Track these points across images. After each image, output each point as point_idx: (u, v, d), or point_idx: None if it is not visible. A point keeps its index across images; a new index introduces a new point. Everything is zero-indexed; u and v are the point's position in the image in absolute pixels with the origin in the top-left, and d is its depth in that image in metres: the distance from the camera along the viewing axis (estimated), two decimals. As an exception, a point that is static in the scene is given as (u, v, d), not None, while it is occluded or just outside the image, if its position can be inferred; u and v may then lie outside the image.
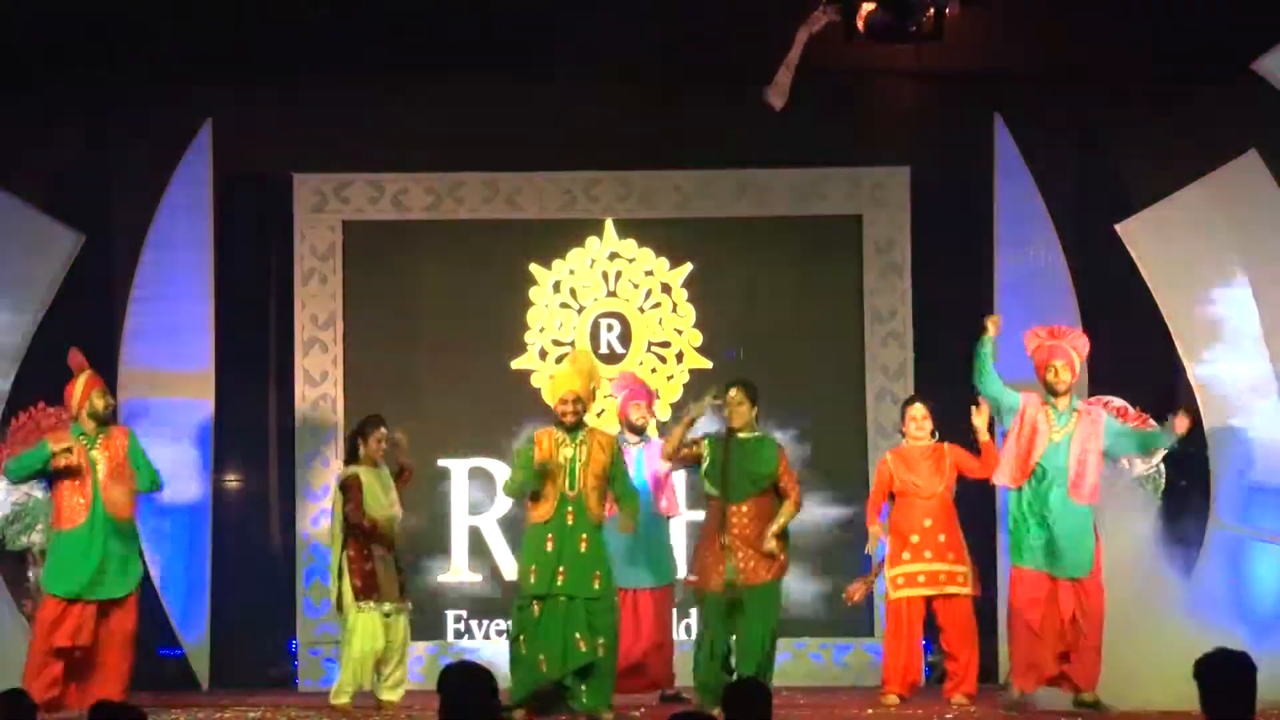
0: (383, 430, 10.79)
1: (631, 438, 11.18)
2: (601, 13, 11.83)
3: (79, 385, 10.35)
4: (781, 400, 11.37)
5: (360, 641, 10.55)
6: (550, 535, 9.72)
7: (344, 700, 10.60)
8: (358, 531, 10.59)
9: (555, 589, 9.67)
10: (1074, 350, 10.24)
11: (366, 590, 10.57)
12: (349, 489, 10.64)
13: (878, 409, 12.47)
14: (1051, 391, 10.17)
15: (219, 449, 12.48)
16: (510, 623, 10.03)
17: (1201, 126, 12.15)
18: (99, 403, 10.31)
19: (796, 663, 12.17)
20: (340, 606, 10.63)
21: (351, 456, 10.80)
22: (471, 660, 5.95)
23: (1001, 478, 10.34)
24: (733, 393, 10.20)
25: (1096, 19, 11.83)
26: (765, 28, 11.32)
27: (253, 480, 12.84)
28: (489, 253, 12.76)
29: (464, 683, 5.75)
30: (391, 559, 10.72)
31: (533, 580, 9.72)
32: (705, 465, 10.26)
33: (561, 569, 9.67)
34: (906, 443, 11.09)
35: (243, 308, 12.71)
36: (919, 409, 11.12)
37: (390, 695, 10.69)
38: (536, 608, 9.70)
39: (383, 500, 10.72)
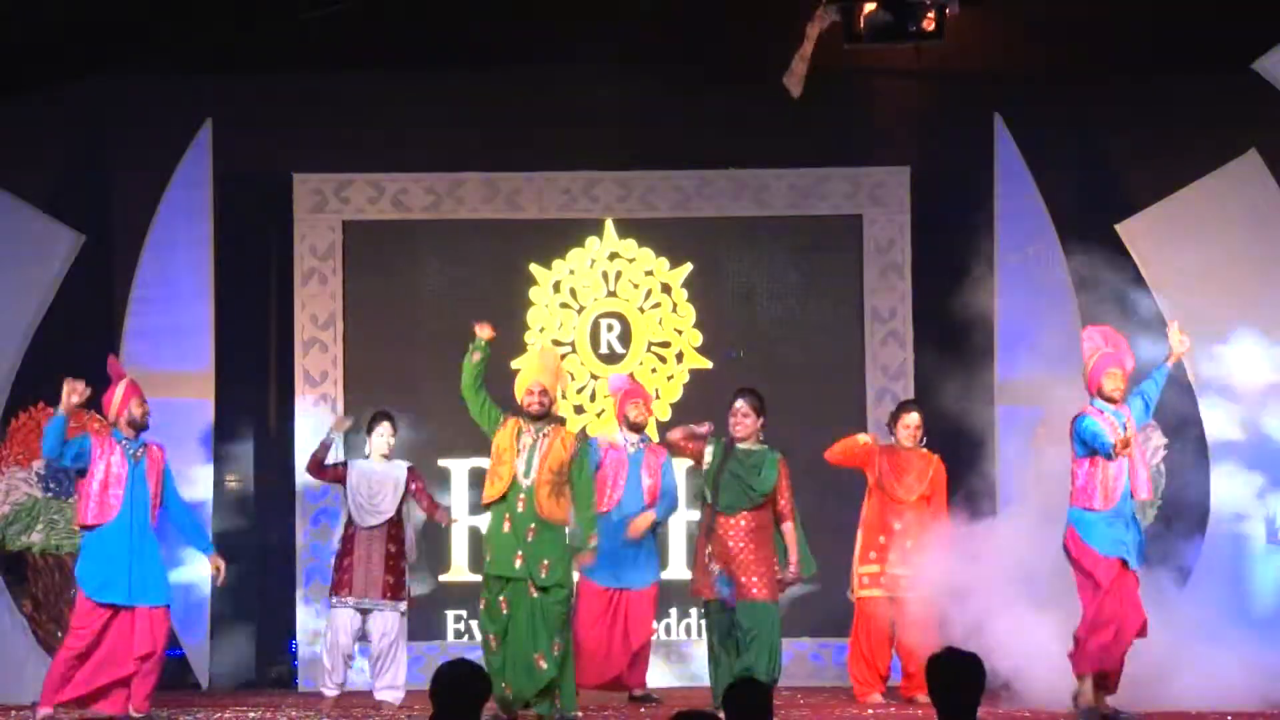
0: (387, 424, 10.93)
1: (631, 437, 11.18)
2: (602, 14, 11.83)
3: (118, 393, 10.28)
4: (781, 400, 11.36)
5: (329, 636, 10.80)
6: (506, 515, 9.71)
7: (326, 695, 10.75)
8: (349, 522, 10.84)
9: (515, 572, 9.66)
10: (1125, 360, 10.07)
11: (334, 586, 10.81)
12: (338, 477, 10.97)
13: (878, 409, 12.46)
14: (1108, 400, 9.95)
15: (219, 449, 12.48)
16: (481, 619, 9.88)
17: (1201, 126, 12.16)
18: (137, 410, 10.23)
19: (796, 663, 12.16)
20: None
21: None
22: (465, 659, 5.94)
23: (1096, 502, 9.90)
24: (739, 404, 10.18)
25: (1096, 19, 11.83)
26: (766, 28, 11.33)
27: (253, 480, 12.84)
28: (489, 253, 12.77)
29: (456, 682, 5.75)
30: (380, 557, 10.76)
31: (489, 558, 9.75)
32: (706, 467, 10.28)
33: (520, 553, 9.67)
34: (897, 444, 11.13)
35: (243, 308, 12.72)
36: (915, 418, 11.15)
37: (384, 696, 10.74)
38: (503, 604, 9.65)
39: (365, 499, 10.81)
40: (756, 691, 5.90)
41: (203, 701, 11.33)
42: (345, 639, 10.73)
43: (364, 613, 10.78)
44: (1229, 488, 11.88)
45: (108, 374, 10.47)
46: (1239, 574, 11.79)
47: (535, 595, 9.62)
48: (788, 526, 10.30)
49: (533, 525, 9.68)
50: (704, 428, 10.43)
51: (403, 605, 10.85)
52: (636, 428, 11.21)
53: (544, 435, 9.78)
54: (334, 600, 10.80)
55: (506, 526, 9.70)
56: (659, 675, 11.88)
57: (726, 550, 10.10)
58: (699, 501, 10.69)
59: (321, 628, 12.02)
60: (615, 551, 10.84)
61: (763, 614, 10.11)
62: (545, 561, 9.67)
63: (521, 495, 9.69)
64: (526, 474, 9.71)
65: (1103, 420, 9.87)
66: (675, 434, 10.59)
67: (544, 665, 9.58)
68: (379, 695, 10.80)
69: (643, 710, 10.84)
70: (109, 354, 10.72)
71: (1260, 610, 11.65)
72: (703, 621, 12.38)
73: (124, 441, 10.19)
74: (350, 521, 10.88)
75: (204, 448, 12.33)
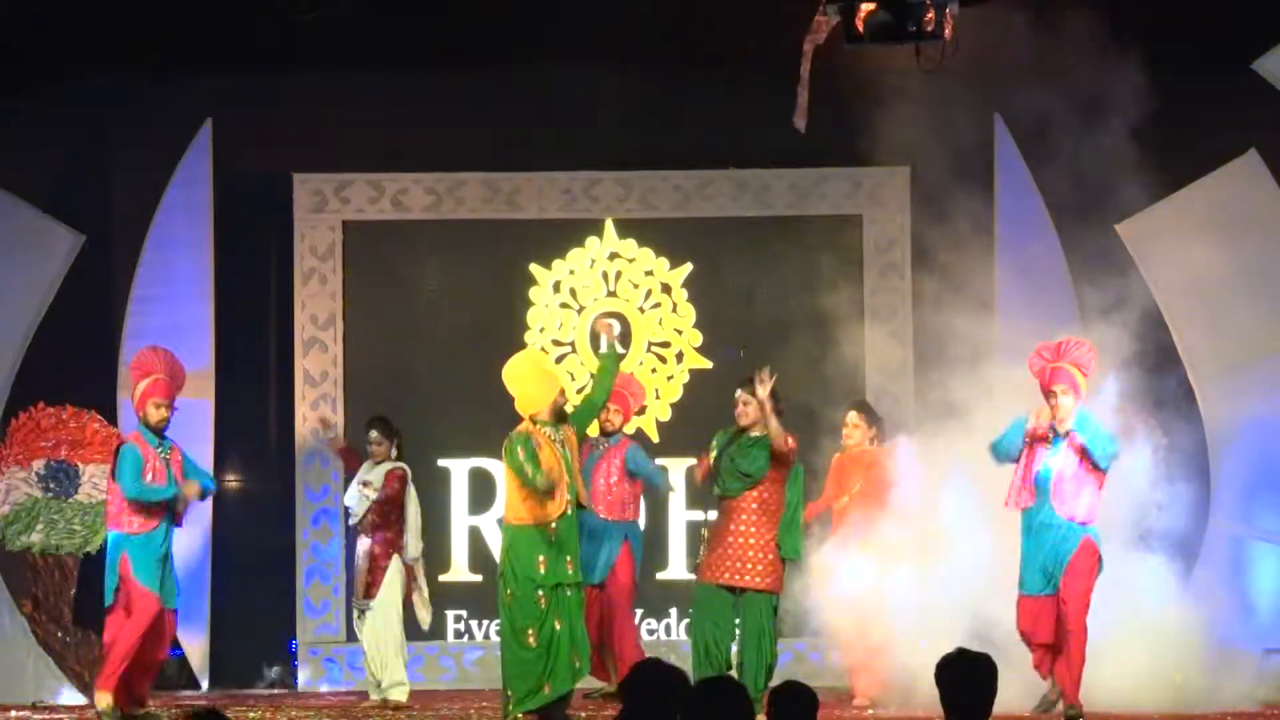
0: (373, 433, 10.98)
1: (603, 441, 11.14)
2: (602, 13, 11.82)
3: (139, 390, 10.16)
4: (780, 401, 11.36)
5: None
6: (553, 526, 9.60)
7: (372, 696, 10.89)
8: None
9: (567, 578, 9.61)
10: (1077, 369, 9.84)
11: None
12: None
13: (877, 409, 12.43)
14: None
15: (219, 449, 12.47)
16: (511, 615, 9.68)
17: (1201, 126, 12.15)
18: (153, 414, 10.11)
19: (796, 663, 12.15)
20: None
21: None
22: (664, 661, 5.72)
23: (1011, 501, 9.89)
24: (740, 393, 10.18)
25: (1096, 19, 11.83)
26: (766, 28, 11.33)
27: (253, 480, 12.84)
28: (489, 253, 12.77)
29: (654, 681, 5.54)
30: (366, 555, 10.80)
31: (543, 570, 9.54)
32: (714, 456, 10.27)
33: (569, 559, 9.62)
34: (848, 447, 11.07)
35: (243, 308, 12.72)
36: (852, 416, 11.13)
37: (391, 695, 10.74)
38: (541, 599, 9.58)
39: (350, 498, 10.91)
40: (802, 695, 5.64)
41: (203, 701, 11.33)
42: (364, 639, 10.81)
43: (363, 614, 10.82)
44: (1229, 486, 11.88)
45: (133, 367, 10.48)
46: (1239, 573, 11.79)
47: (570, 595, 9.62)
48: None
49: (575, 523, 9.70)
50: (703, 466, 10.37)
51: (371, 602, 10.79)
52: (607, 432, 11.14)
53: (565, 437, 9.72)
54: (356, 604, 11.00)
55: (553, 535, 9.60)
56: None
57: (726, 532, 10.04)
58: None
59: (320, 628, 12.15)
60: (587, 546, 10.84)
61: (759, 605, 10.07)
62: (579, 559, 9.72)
63: (570, 500, 9.65)
64: (572, 479, 9.64)
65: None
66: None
67: (579, 664, 9.61)
68: (388, 695, 10.79)
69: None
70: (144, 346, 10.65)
71: (1260, 610, 11.65)
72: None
73: (157, 447, 10.13)
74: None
75: (204, 448, 12.32)
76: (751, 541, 10.02)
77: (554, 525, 9.55)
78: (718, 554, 9.99)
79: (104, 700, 9.92)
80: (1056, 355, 9.88)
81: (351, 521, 11.00)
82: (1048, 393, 9.82)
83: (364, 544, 10.85)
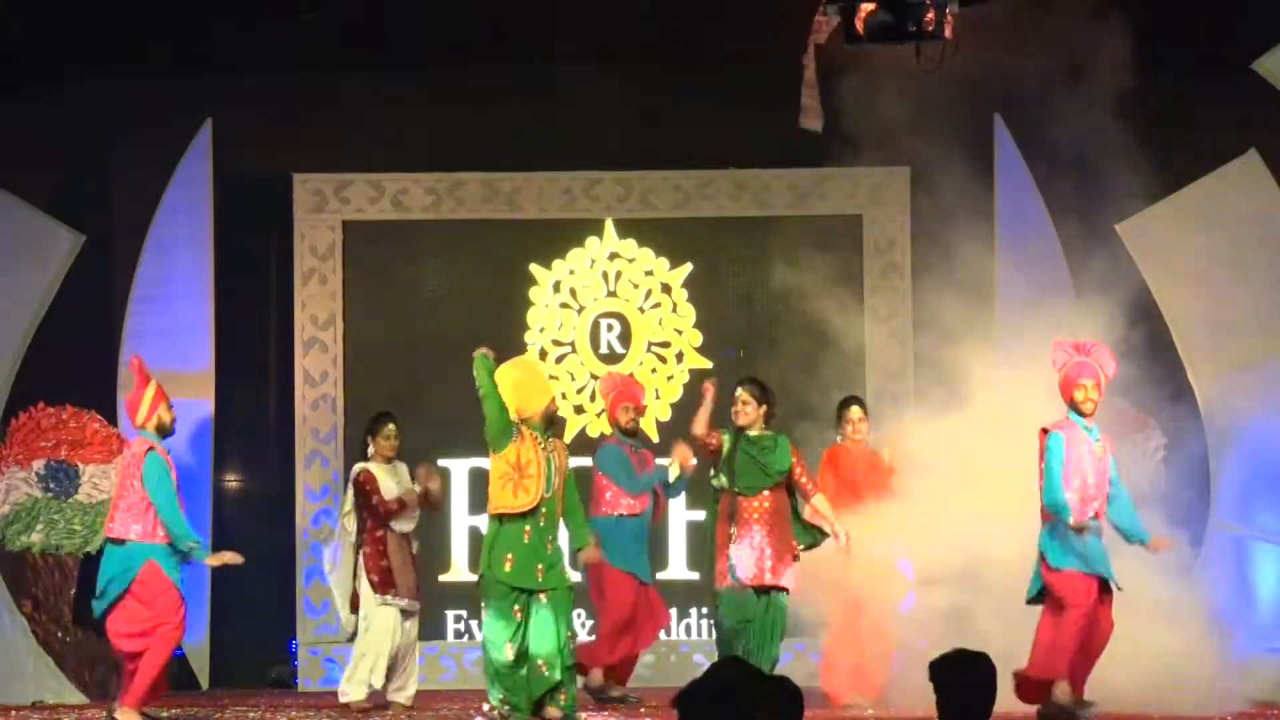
0: (391, 427, 10.78)
1: (627, 440, 11.11)
2: (602, 13, 11.83)
3: (148, 397, 9.86)
4: (780, 400, 11.36)
5: (378, 637, 10.54)
6: (528, 527, 9.46)
7: (357, 697, 10.55)
8: (378, 526, 10.59)
9: (536, 584, 9.47)
10: (1101, 369, 9.75)
11: (384, 585, 10.57)
12: (365, 484, 10.62)
13: (877, 409, 12.44)
14: (1079, 412, 9.66)
15: (219, 449, 12.48)
16: (487, 625, 9.57)
17: (1201, 126, 12.16)
18: (166, 416, 9.85)
19: (796, 662, 12.14)
20: (355, 605, 10.62)
21: (363, 454, 10.80)
22: (741, 660, 5.63)
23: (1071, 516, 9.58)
24: (739, 392, 10.18)
25: (1096, 19, 11.83)
26: (766, 28, 11.33)
27: (253, 480, 12.85)
28: (489, 253, 12.78)
29: (724, 684, 5.49)
30: (409, 555, 10.70)
31: (509, 569, 9.41)
32: (721, 457, 10.24)
33: (541, 565, 9.49)
34: (846, 443, 11.04)
35: (243, 308, 12.72)
36: (857, 410, 11.09)
37: (397, 698, 10.68)
38: (517, 613, 9.48)
39: (392, 498, 10.73)
40: (789, 692, 5.65)
41: (203, 701, 11.33)
42: (395, 638, 10.60)
43: (404, 614, 10.67)
44: (1229, 486, 11.88)
45: (131, 373, 10.37)
46: (1239, 573, 11.78)
47: (546, 604, 9.50)
48: (818, 500, 10.18)
49: (551, 538, 9.52)
50: (714, 439, 10.33)
51: (417, 603, 10.77)
52: (629, 432, 11.11)
53: (554, 448, 9.63)
54: (384, 599, 10.59)
55: (527, 537, 9.46)
56: (654, 675, 11.88)
57: (750, 534, 10.05)
58: (712, 495, 10.56)
59: (320, 628, 12.10)
60: (640, 542, 10.83)
61: (779, 602, 10.09)
62: (562, 565, 9.57)
63: (544, 509, 9.51)
64: (549, 489, 9.48)
65: (1072, 440, 9.67)
66: (699, 429, 10.36)
67: (546, 671, 9.48)
68: (391, 696, 10.72)
69: (642, 710, 10.82)
70: (133, 355, 10.59)
71: (1260, 610, 11.65)
72: (704, 621, 12.42)
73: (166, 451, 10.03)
74: (376, 525, 10.65)
75: (204, 448, 12.33)
76: (773, 540, 10.03)
77: (528, 527, 9.44)
78: (748, 555, 9.99)
79: (134, 717, 9.61)
80: (1081, 351, 9.80)
81: (405, 529, 10.77)
82: (1075, 385, 9.72)
83: (409, 546, 10.72)
